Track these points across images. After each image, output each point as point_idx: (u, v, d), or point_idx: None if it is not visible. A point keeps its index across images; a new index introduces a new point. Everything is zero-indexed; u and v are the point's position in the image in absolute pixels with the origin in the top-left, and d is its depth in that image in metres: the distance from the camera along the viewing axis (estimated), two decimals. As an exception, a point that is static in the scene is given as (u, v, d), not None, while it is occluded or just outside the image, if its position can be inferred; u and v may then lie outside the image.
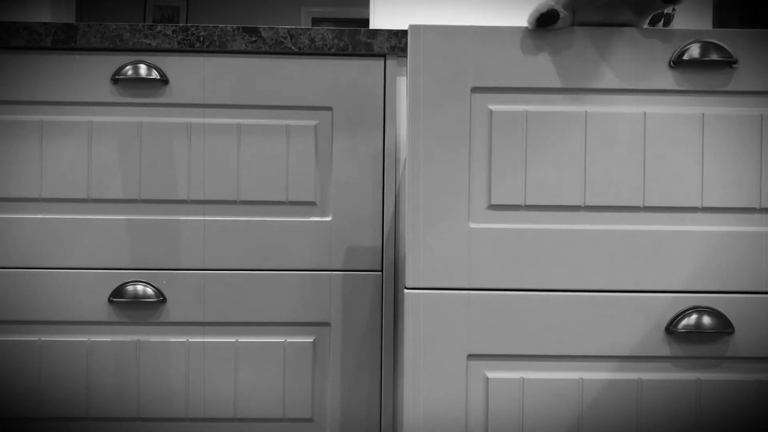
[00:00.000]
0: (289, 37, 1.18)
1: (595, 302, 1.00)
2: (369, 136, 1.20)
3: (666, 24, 2.37)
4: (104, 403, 1.19)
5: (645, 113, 0.98)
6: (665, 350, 1.00)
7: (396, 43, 1.18)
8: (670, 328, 1.00)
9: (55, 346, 1.19)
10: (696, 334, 1.00)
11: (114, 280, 1.19)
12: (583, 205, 0.99)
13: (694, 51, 0.97)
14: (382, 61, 1.20)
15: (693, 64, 0.98)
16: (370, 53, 1.19)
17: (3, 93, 1.18)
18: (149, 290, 1.18)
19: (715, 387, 1.01)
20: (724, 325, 1.00)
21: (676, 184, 0.98)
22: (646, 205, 0.99)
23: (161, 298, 1.18)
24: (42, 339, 1.19)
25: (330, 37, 1.18)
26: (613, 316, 1.00)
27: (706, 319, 1.00)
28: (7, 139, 1.18)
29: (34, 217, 1.18)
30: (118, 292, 1.18)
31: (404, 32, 1.18)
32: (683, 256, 0.99)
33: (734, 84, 0.98)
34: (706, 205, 0.98)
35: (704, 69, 0.98)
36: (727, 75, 0.98)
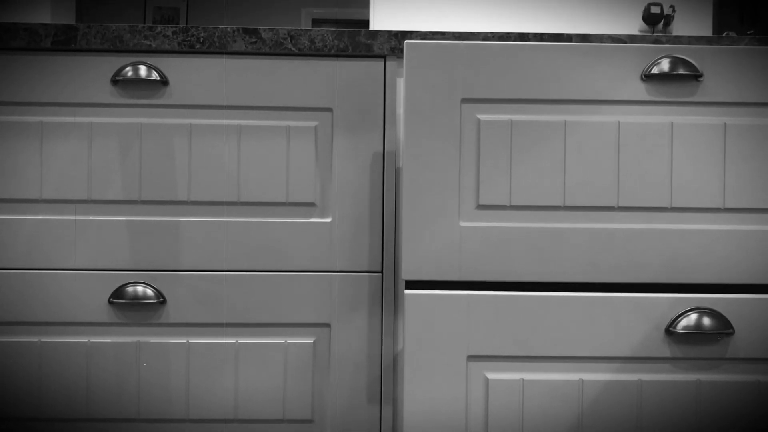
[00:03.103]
0: (289, 38, 1.18)
1: (595, 303, 1.00)
2: (369, 137, 1.20)
3: (666, 24, 2.37)
4: (104, 404, 1.19)
5: (619, 122, 1.07)
6: (665, 351, 1.01)
7: (396, 44, 1.18)
8: (670, 329, 1.00)
9: (55, 347, 1.19)
10: (696, 335, 1.00)
11: (114, 281, 1.19)
12: (562, 205, 1.07)
13: (664, 65, 1.06)
14: (382, 62, 1.20)
15: (662, 77, 1.07)
16: (370, 54, 1.19)
17: (3, 94, 1.18)
18: (149, 291, 1.18)
19: (715, 388, 1.01)
20: (723, 326, 1.00)
21: (648, 186, 1.06)
22: (620, 205, 1.07)
23: (161, 299, 1.18)
24: (42, 340, 1.19)
25: (330, 38, 1.18)
26: (613, 317, 1.00)
27: (706, 320, 1.00)
28: (8, 139, 1.18)
29: (34, 218, 1.18)
30: (118, 293, 1.18)
31: (404, 33, 1.18)
32: (654, 252, 1.06)
33: (700, 95, 1.07)
34: (675, 205, 1.07)
35: (673, 81, 1.07)
36: (693, 87, 1.07)
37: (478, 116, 1.08)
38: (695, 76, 1.06)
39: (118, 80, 1.18)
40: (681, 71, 1.06)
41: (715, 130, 1.08)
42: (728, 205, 1.07)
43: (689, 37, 1.18)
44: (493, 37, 1.18)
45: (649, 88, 1.07)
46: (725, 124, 1.08)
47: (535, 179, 1.07)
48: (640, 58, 1.07)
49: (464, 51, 1.07)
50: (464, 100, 1.08)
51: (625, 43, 1.17)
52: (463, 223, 1.07)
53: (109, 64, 1.18)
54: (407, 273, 1.07)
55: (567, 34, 1.18)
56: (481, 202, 1.08)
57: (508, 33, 1.18)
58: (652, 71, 1.06)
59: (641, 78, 1.07)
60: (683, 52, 1.07)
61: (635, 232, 1.07)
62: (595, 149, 1.08)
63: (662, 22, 2.20)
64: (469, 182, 1.08)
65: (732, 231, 1.07)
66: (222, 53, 1.19)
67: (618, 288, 1.07)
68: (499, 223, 1.07)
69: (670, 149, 1.07)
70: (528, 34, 1.18)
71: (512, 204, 1.08)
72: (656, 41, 1.18)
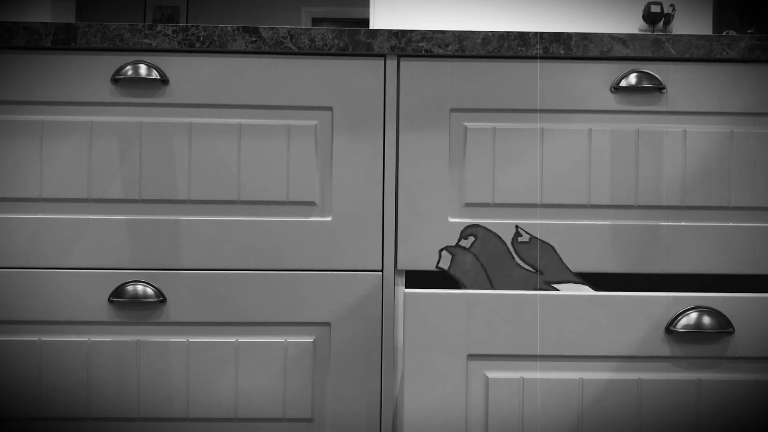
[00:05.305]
0: (289, 37, 1.18)
1: (595, 302, 1.00)
2: (369, 136, 1.20)
3: (666, 23, 2.37)
4: (104, 403, 1.19)
5: (591, 129, 1.19)
6: (665, 350, 1.01)
7: (396, 43, 1.18)
8: (670, 328, 1.00)
9: (55, 346, 1.19)
10: (696, 333, 1.00)
11: (114, 279, 1.19)
12: (540, 203, 1.19)
13: (632, 79, 1.18)
14: (382, 61, 1.20)
15: (630, 89, 1.19)
16: (370, 53, 1.19)
17: (3, 93, 1.18)
18: (149, 290, 1.18)
19: (715, 387, 1.01)
20: (724, 325, 1.00)
21: (616, 186, 1.19)
22: (592, 203, 1.19)
23: (161, 298, 1.18)
24: (42, 339, 1.19)
25: (330, 37, 1.18)
26: (613, 315, 1.00)
27: (706, 319, 1.00)
28: (8, 139, 1.18)
29: (34, 217, 1.18)
30: (118, 292, 1.18)
31: (404, 32, 1.18)
32: (621, 242, 1.19)
33: (662, 105, 1.19)
34: (640, 203, 1.19)
35: (639, 93, 1.19)
36: (657, 98, 1.19)
37: (465, 124, 1.19)
38: (659, 88, 1.18)
39: (118, 79, 1.18)
40: (646, 84, 1.17)
41: (676, 137, 1.19)
42: (688, 203, 1.19)
43: (689, 36, 1.18)
44: (493, 36, 1.18)
45: (618, 99, 1.19)
46: (685, 131, 1.19)
47: (515, 180, 1.19)
48: (610, 72, 1.19)
49: (453, 66, 1.19)
50: (453, 110, 1.19)
51: (625, 41, 1.17)
52: (451, 219, 1.19)
53: (109, 63, 1.18)
54: (402, 264, 1.19)
55: (567, 33, 1.18)
56: (468, 201, 1.19)
57: (508, 32, 1.18)
58: (621, 84, 1.18)
59: (611, 90, 1.19)
60: (648, 66, 1.19)
61: (606, 228, 1.19)
62: (569, 153, 1.19)
63: (662, 21, 2.20)
64: (457, 183, 1.19)
65: (693, 227, 1.19)
66: (222, 52, 1.19)
67: (591, 278, 1.18)
68: (483, 219, 1.19)
69: (636, 153, 1.19)
70: (528, 33, 1.18)
71: (495, 202, 1.19)
72: (656, 40, 1.18)
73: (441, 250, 1.17)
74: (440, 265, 1.18)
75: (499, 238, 1.16)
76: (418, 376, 1.00)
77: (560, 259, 1.16)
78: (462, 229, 1.17)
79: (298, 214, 1.20)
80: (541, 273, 1.17)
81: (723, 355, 1.01)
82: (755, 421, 1.01)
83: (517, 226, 1.15)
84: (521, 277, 1.17)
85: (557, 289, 1.16)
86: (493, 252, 1.17)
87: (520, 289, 1.17)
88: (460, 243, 1.17)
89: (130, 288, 1.18)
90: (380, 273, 1.20)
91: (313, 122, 1.20)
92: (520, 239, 1.15)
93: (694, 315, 1.00)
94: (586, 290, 1.16)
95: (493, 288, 1.16)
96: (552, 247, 1.16)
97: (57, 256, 1.18)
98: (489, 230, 1.16)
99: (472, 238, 1.16)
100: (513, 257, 1.17)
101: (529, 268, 1.17)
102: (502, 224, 1.19)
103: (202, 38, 1.18)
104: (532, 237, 1.15)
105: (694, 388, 1.01)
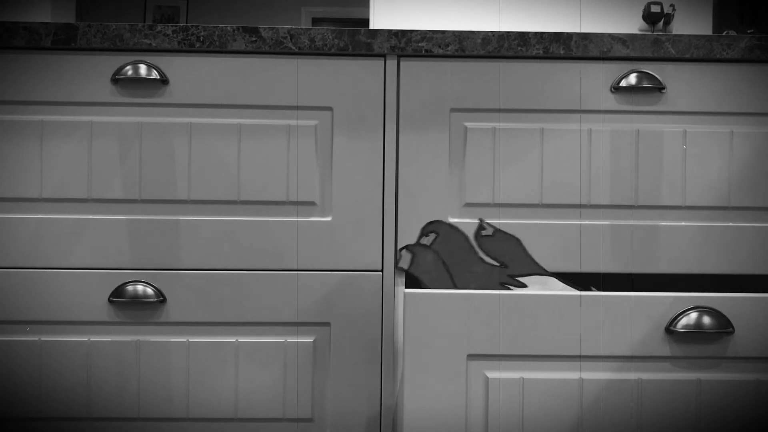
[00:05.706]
0: (289, 37, 1.18)
1: (595, 302, 1.00)
2: (369, 136, 1.20)
3: (666, 23, 2.37)
4: (105, 403, 1.19)
5: (591, 129, 1.19)
6: (665, 350, 1.01)
7: (396, 43, 1.18)
8: (670, 328, 1.00)
9: (55, 346, 1.19)
10: (696, 333, 1.00)
11: (114, 279, 1.19)
12: (540, 203, 1.19)
13: (632, 79, 1.18)
14: (382, 61, 1.20)
15: (630, 89, 1.19)
16: (370, 53, 1.19)
17: (3, 93, 1.18)
18: (149, 290, 1.18)
19: (715, 387, 1.01)
20: (724, 325, 1.00)
21: (615, 186, 1.19)
22: (591, 203, 1.19)
23: (161, 298, 1.18)
24: (42, 339, 1.19)
25: (330, 37, 1.18)
26: (613, 315, 1.00)
27: (706, 319, 1.00)
28: (8, 139, 1.18)
29: (34, 217, 1.18)
30: (118, 292, 1.18)
31: (404, 32, 1.18)
32: (621, 242, 1.19)
33: (662, 105, 1.19)
34: (640, 203, 1.19)
35: (639, 93, 1.19)
36: (657, 98, 1.19)
37: (465, 124, 1.19)
38: (659, 88, 1.18)
39: (118, 79, 1.18)
40: (646, 84, 1.17)
41: (675, 136, 1.19)
42: (688, 203, 1.19)
43: (689, 36, 1.18)
44: (493, 36, 1.18)
45: (618, 99, 1.19)
46: (685, 130, 1.19)
47: (515, 180, 1.19)
48: (610, 72, 1.19)
49: (453, 66, 1.19)
50: (453, 110, 1.19)
51: (625, 41, 1.17)
52: (451, 219, 1.19)
53: (109, 63, 1.18)
54: (402, 263, 1.19)
55: (567, 34, 1.18)
56: (468, 201, 1.19)
57: (508, 32, 1.18)
58: (621, 84, 1.18)
59: (611, 90, 1.18)
60: (648, 66, 1.19)
61: (606, 228, 1.19)
62: (569, 154, 1.19)
63: (662, 21, 2.20)
64: (457, 183, 1.19)
65: (693, 227, 1.19)
66: (222, 52, 1.19)
67: (591, 279, 1.18)
68: (483, 219, 1.19)
69: (636, 154, 1.19)
70: (528, 33, 1.18)
71: (495, 202, 1.19)
72: (656, 40, 1.18)
73: (401, 249, 1.17)
74: (400, 264, 1.18)
75: (462, 233, 1.16)
76: (418, 376, 1.00)
77: (525, 251, 1.15)
78: (423, 226, 1.16)
79: (298, 214, 1.20)
80: (506, 266, 1.16)
81: (723, 355, 1.01)
82: (755, 421, 1.01)
83: (481, 219, 1.14)
84: (484, 272, 1.16)
85: (523, 283, 1.17)
86: (455, 248, 1.16)
87: (483, 284, 1.17)
88: (420, 241, 1.17)
89: (130, 288, 1.18)
90: (380, 273, 1.20)
91: (313, 122, 1.20)
92: (483, 233, 1.15)
93: (694, 315, 1.00)
94: (553, 283, 1.16)
95: (454, 285, 1.16)
96: (517, 240, 1.16)
97: (57, 256, 1.18)
98: (452, 226, 1.15)
99: (433, 235, 1.15)
100: (476, 252, 1.17)
101: (493, 262, 1.17)
102: (502, 224, 1.19)
103: (202, 38, 1.18)
104: (496, 230, 1.15)
105: (694, 388, 1.01)
